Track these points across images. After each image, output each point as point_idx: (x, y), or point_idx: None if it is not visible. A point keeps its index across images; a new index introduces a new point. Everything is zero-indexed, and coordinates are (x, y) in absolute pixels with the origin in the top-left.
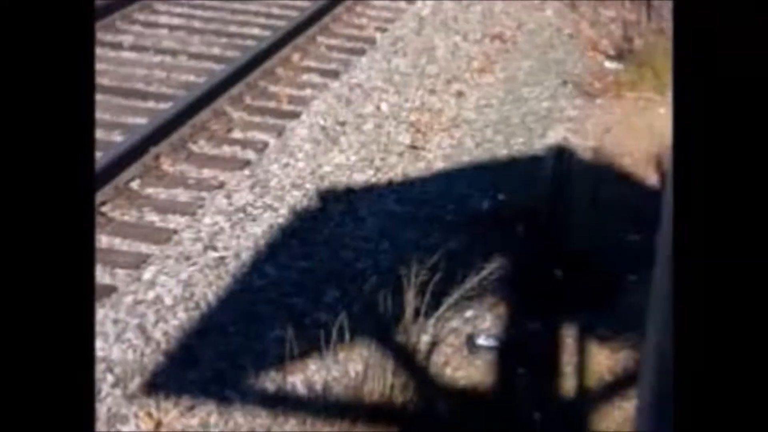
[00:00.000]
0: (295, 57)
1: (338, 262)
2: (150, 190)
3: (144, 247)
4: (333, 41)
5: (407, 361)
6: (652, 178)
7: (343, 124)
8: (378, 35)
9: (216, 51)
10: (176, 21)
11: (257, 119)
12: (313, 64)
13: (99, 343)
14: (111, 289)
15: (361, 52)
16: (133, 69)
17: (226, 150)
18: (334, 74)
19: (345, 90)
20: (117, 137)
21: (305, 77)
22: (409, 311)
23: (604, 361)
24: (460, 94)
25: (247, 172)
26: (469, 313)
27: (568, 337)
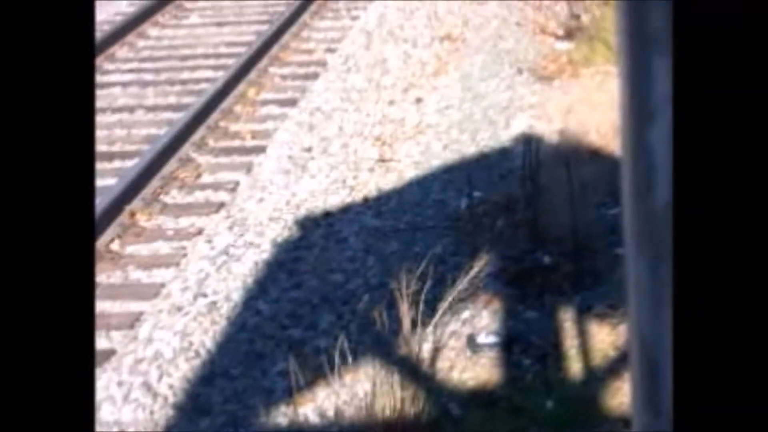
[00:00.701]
0: (251, 92)
1: (328, 286)
2: (131, 248)
3: (135, 306)
4: (285, 70)
5: (413, 372)
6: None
7: (309, 149)
8: (328, 56)
9: (172, 100)
10: (128, 77)
11: (224, 160)
12: (269, 96)
13: (108, 407)
14: (110, 353)
15: (315, 76)
16: None
17: (199, 195)
18: (292, 102)
19: (305, 116)
20: None
21: (264, 110)
22: (406, 323)
23: (606, 338)
24: (419, 100)
25: (223, 213)
26: (465, 314)
27: (567, 320)
